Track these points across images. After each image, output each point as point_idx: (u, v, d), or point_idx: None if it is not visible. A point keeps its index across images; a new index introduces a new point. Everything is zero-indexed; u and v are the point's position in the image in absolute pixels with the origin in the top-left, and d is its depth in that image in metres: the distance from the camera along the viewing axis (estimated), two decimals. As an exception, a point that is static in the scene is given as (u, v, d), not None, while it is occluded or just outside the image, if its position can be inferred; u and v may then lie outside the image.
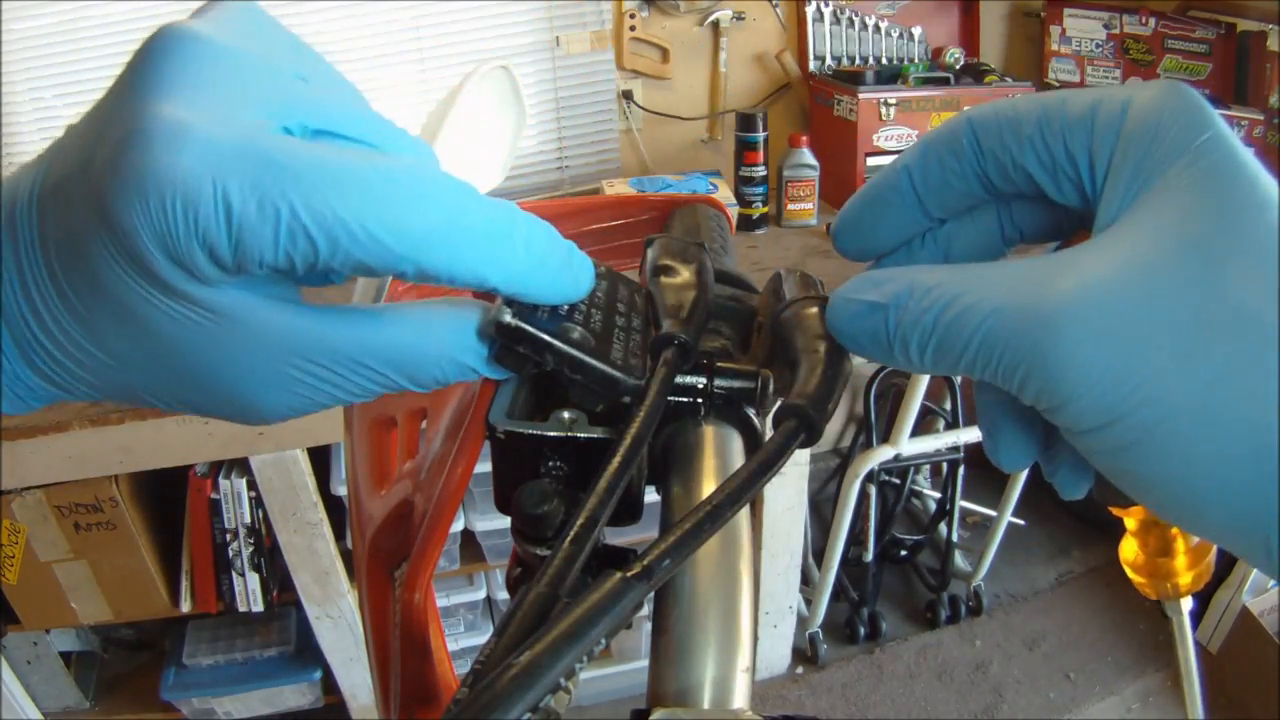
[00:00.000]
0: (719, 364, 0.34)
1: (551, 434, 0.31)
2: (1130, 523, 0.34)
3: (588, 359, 0.31)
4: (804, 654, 2.32)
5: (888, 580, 2.51)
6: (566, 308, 0.32)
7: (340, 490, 1.73)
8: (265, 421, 0.29)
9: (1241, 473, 0.22)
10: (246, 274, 0.26)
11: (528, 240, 0.29)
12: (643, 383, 0.31)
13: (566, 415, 0.32)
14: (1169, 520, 0.26)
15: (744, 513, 0.31)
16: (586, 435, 0.31)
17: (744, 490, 0.27)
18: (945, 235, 0.34)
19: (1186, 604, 0.39)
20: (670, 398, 0.33)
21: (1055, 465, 0.31)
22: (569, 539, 0.27)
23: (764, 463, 0.28)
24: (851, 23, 2.31)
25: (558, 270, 0.30)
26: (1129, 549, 0.35)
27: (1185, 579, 0.37)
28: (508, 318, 0.30)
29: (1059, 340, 0.24)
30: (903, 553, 2.53)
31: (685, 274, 0.35)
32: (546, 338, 0.30)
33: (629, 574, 0.25)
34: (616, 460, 0.29)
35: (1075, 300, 0.24)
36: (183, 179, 0.24)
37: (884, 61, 2.35)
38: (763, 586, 2.07)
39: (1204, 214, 0.24)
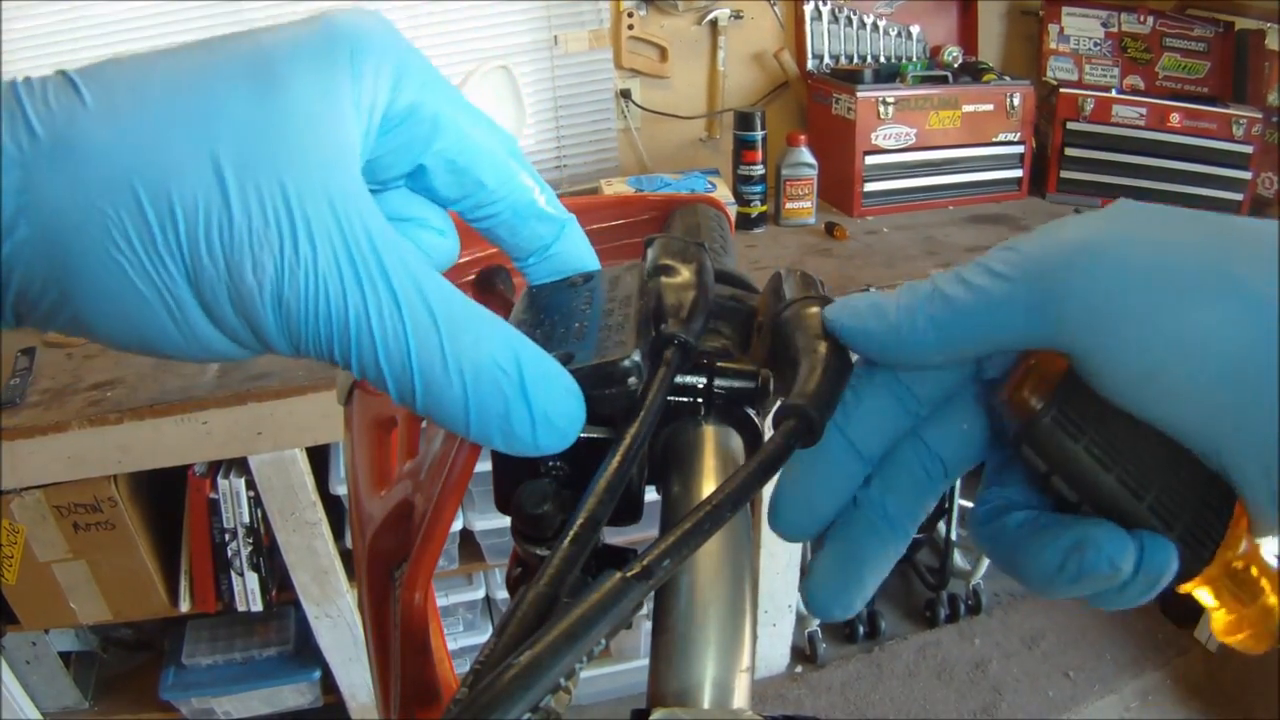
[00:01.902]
0: (719, 364, 0.34)
1: None
2: (1204, 596, 0.31)
3: (574, 369, 0.31)
4: (803, 653, 2.32)
5: (887, 579, 2.50)
6: (561, 330, 0.32)
7: (339, 490, 1.73)
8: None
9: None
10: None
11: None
12: (629, 355, 0.30)
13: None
14: (1186, 438, 0.27)
15: (744, 512, 0.31)
16: (586, 435, 0.31)
17: (744, 490, 0.27)
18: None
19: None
20: (670, 397, 0.33)
21: (1006, 478, 0.32)
22: (569, 539, 0.27)
23: (764, 463, 0.28)
24: (850, 21, 2.31)
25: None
26: (1220, 620, 0.33)
27: None
28: None
29: (1100, 263, 0.27)
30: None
31: (685, 274, 0.35)
32: None
33: (629, 574, 0.25)
34: (616, 460, 0.29)
35: (1095, 236, 0.27)
36: None
37: (882, 60, 2.35)
38: (762, 585, 2.07)
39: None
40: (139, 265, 0.24)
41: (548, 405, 0.28)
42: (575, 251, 0.36)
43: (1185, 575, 0.29)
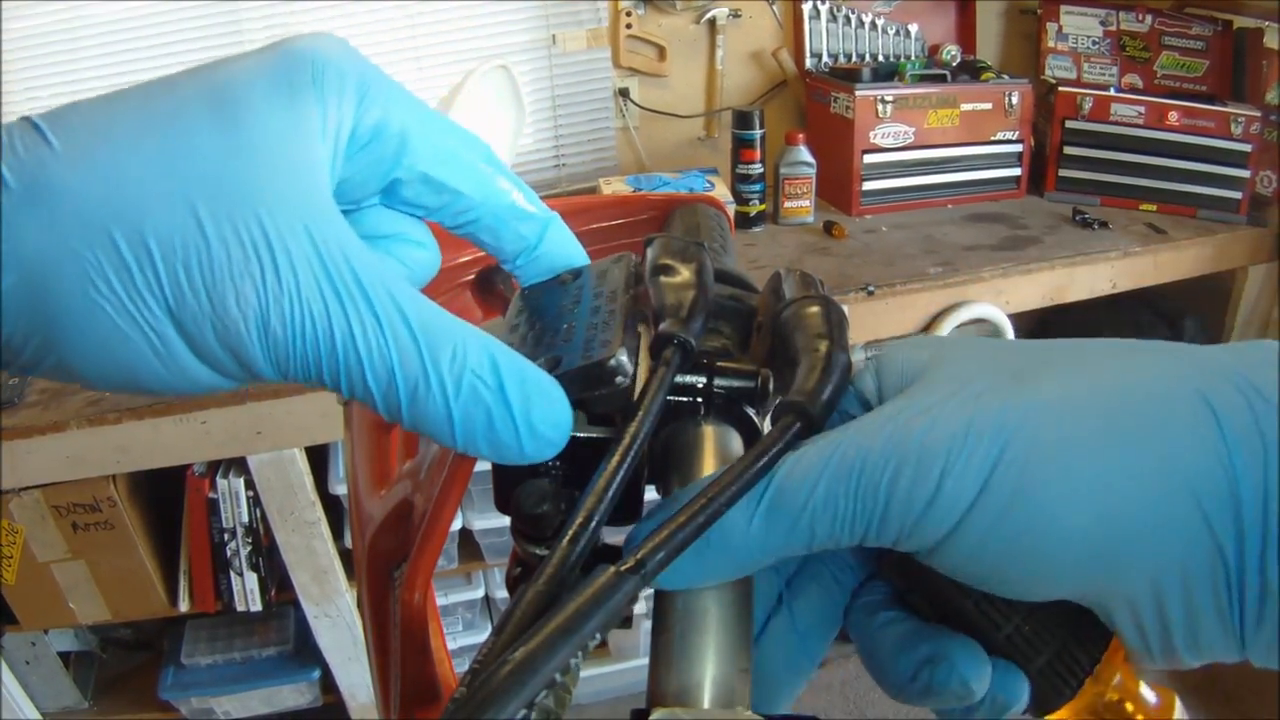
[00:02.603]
0: (719, 363, 0.34)
1: None
2: None
3: (561, 374, 0.30)
4: (802, 651, 2.32)
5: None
6: (550, 333, 0.33)
7: (338, 489, 1.73)
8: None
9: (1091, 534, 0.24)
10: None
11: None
12: (614, 355, 0.30)
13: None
14: (1028, 594, 0.27)
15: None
16: (585, 435, 0.31)
17: (739, 485, 0.27)
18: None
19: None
20: (670, 397, 0.33)
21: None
22: (568, 538, 0.27)
23: (759, 455, 0.28)
24: (848, 20, 2.31)
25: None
26: None
27: None
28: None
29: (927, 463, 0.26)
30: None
31: (685, 273, 0.35)
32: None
33: (621, 568, 0.25)
34: (615, 459, 0.29)
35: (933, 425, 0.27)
36: None
37: (880, 59, 2.35)
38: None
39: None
40: (120, 306, 0.25)
41: (531, 412, 0.28)
42: (561, 248, 0.36)
43: (1042, 709, 0.29)
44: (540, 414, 0.28)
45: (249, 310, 0.25)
